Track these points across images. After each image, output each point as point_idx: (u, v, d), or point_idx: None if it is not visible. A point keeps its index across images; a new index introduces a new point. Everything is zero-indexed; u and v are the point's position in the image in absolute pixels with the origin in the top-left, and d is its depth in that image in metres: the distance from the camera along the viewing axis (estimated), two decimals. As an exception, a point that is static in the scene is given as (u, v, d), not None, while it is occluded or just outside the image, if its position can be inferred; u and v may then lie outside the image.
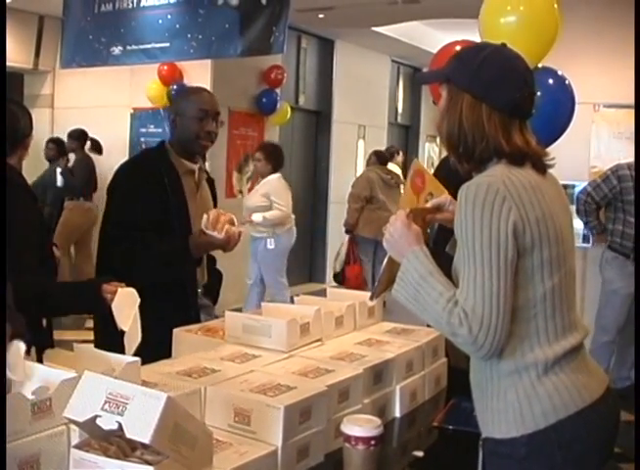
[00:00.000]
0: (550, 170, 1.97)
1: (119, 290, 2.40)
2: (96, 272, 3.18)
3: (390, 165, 10.44)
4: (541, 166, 1.93)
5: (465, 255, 1.80)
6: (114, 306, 2.36)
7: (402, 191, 9.13)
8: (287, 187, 7.12)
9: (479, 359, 1.87)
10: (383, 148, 11.37)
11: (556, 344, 1.85)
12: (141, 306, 2.49)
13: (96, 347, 2.03)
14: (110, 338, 2.42)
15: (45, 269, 2.80)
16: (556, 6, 3.88)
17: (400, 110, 13.48)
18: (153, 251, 3.04)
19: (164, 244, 3.06)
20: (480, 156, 1.91)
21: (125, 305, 2.35)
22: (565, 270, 1.88)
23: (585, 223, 5.69)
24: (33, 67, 9.92)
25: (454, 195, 1.97)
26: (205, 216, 2.94)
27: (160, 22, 6.24)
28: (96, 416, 1.44)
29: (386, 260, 2.05)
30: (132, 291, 2.40)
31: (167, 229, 3.08)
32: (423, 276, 1.85)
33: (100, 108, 9.39)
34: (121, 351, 2.03)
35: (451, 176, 2.12)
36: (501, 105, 1.89)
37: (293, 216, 7.21)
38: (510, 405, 1.84)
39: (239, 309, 2.78)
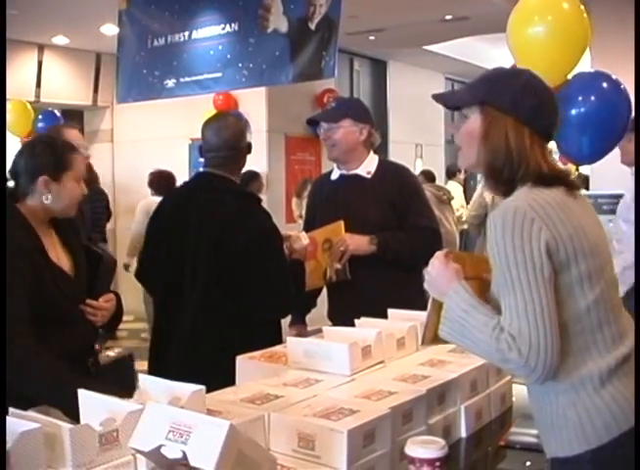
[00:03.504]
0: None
1: None
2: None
3: (451, 183, 10.44)
4: (574, 187, 1.94)
5: (503, 280, 1.82)
6: None
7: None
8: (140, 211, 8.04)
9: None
10: (441, 166, 11.37)
11: (608, 355, 1.84)
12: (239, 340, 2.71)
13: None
14: (163, 368, 2.48)
15: (61, 328, 2.63)
16: (585, 15, 3.83)
17: (457, 127, 13.44)
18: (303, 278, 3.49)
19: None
20: (522, 179, 1.92)
21: None
22: (604, 281, 1.88)
23: None
24: (92, 103, 10.18)
25: None
26: (292, 235, 3.47)
27: (212, 52, 6.34)
28: (161, 445, 1.47)
29: (430, 303, 2.06)
30: None
31: None
32: (465, 310, 1.86)
33: (159, 140, 9.56)
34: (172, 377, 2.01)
35: None
36: (542, 129, 1.94)
37: None
38: (570, 422, 1.83)
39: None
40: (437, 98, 2.11)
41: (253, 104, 8.66)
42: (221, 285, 3.17)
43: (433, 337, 2.08)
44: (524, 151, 1.91)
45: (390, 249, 3.49)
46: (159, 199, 8.47)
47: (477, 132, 1.96)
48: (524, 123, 1.91)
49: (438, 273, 1.97)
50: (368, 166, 3.66)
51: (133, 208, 9.56)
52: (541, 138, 1.94)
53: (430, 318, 2.08)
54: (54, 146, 2.75)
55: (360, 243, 3.48)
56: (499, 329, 1.78)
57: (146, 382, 2.00)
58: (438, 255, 2.01)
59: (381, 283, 3.47)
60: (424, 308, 3.52)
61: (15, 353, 2.36)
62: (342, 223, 3.49)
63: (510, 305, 1.79)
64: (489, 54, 11.33)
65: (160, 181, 8.22)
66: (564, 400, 1.84)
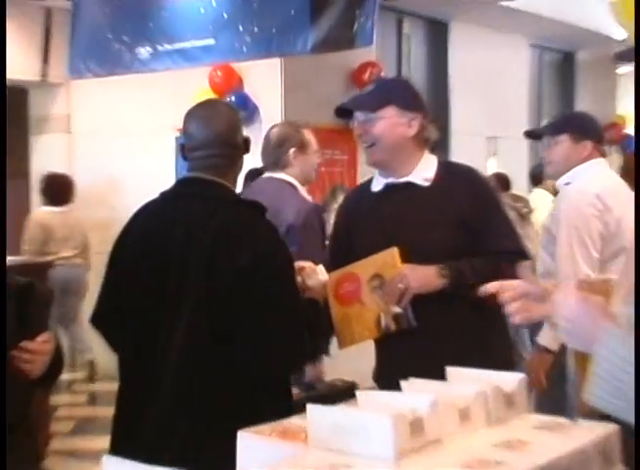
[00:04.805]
0: None
1: None
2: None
3: (538, 191, 10.40)
4: None
5: None
6: None
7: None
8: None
9: None
10: (524, 168, 11.33)
11: None
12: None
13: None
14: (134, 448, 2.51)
15: None
16: None
17: (547, 113, 13.41)
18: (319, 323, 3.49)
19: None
20: None
21: None
22: None
23: None
24: (41, 78, 10.07)
25: None
26: (306, 268, 3.49)
27: (202, 11, 6.35)
28: None
29: (574, 359, 2.04)
30: None
31: None
32: (625, 359, 1.80)
33: (133, 131, 9.54)
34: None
35: None
36: None
37: None
38: None
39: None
40: None
41: (264, 82, 8.65)
42: (212, 331, 3.18)
43: (586, 407, 2.05)
44: None
45: (467, 283, 3.37)
46: (52, 209, 9.03)
47: None
48: None
49: (579, 315, 1.93)
50: (424, 171, 3.65)
51: (97, 223, 9.52)
52: None
53: (579, 381, 2.06)
54: None
55: (426, 276, 3.44)
56: None
57: (112, 466, 2.01)
58: (569, 290, 1.99)
59: (450, 329, 3.45)
60: (508, 365, 3.52)
61: None
62: (395, 251, 3.43)
63: None
64: (587, 9, 11.28)
65: (54, 188, 8.86)
66: None
